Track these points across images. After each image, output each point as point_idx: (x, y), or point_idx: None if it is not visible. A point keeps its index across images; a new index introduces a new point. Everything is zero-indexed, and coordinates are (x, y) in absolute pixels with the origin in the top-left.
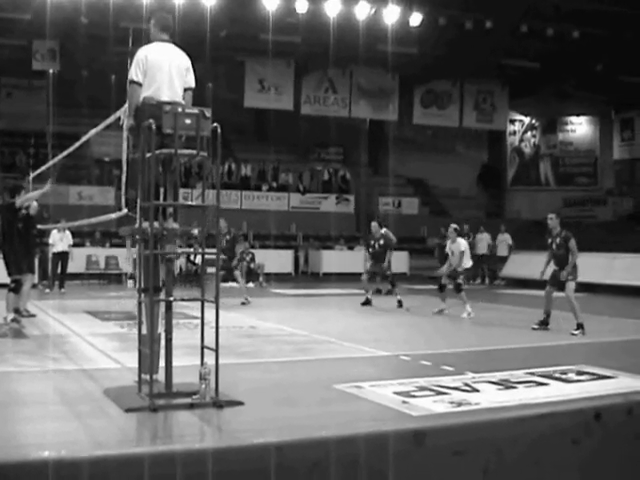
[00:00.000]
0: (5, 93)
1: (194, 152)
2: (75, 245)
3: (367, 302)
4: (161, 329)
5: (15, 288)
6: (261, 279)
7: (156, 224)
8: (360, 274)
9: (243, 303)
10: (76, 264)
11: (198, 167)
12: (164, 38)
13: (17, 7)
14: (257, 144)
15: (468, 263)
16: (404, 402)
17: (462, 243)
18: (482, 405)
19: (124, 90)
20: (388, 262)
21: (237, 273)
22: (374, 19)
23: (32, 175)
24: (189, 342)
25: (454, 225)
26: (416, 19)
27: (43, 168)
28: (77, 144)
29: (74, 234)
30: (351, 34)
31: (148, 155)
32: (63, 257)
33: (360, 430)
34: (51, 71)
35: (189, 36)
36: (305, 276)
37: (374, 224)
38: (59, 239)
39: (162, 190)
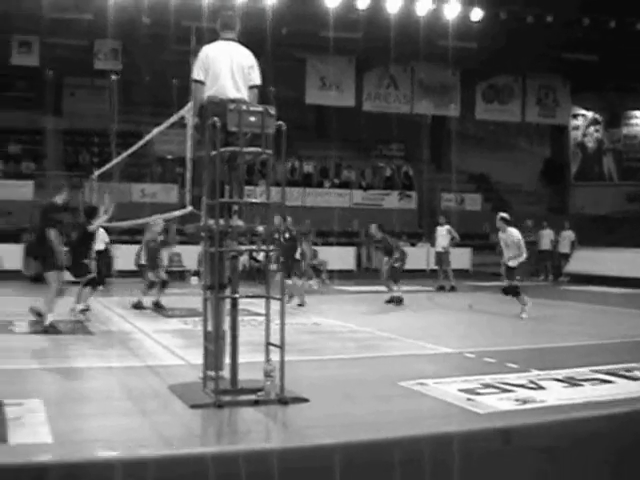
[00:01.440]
0: (68, 93)
1: (259, 150)
2: (139, 242)
3: (392, 300)
4: (226, 326)
5: (91, 283)
6: (324, 276)
7: (221, 221)
8: (424, 270)
9: (300, 305)
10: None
11: (261, 164)
12: (227, 36)
13: (78, 7)
14: (319, 141)
15: (524, 255)
16: (469, 399)
17: (515, 232)
18: (548, 403)
19: (186, 88)
20: (389, 264)
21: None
22: (435, 14)
23: (96, 173)
24: (253, 339)
25: (502, 214)
26: (477, 14)
27: (107, 166)
28: (141, 142)
29: (139, 232)
30: (412, 30)
31: (213, 153)
32: (101, 256)
33: (448, 429)
34: (113, 71)
35: (250, 34)
36: (368, 273)
37: (373, 227)
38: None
39: (227, 188)
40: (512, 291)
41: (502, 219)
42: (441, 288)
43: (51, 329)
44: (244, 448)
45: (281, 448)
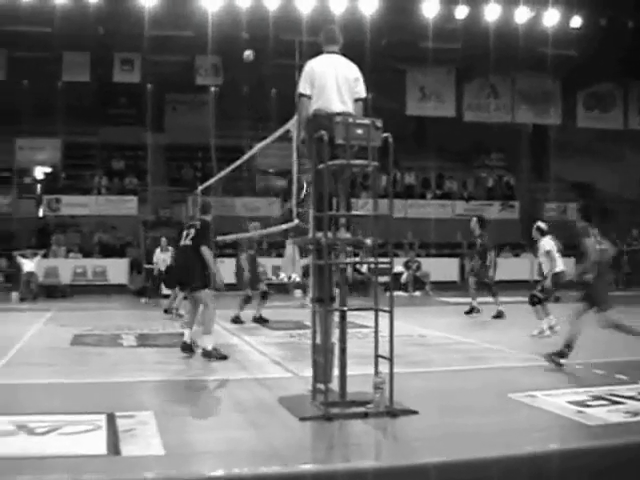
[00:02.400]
0: (170, 108)
1: (366, 162)
2: None
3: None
4: (334, 338)
5: None
6: (427, 287)
7: (329, 234)
8: (527, 282)
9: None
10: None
11: (363, 177)
12: (331, 50)
13: (178, 25)
14: (419, 152)
15: (558, 266)
16: (579, 412)
17: (545, 243)
18: None
19: (286, 102)
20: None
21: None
22: (534, 22)
23: (199, 188)
24: (359, 351)
25: (539, 223)
26: (576, 21)
27: (210, 181)
28: (245, 157)
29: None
30: (511, 38)
31: (321, 166)
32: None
33: (565, 445)
34: (214, 86)
35: (349, 46)
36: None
37: (473, 220)
38: (162, 260)
39: (334, 200)
40: (530, 300)
41: (537, 229)
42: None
43: (214, 352)
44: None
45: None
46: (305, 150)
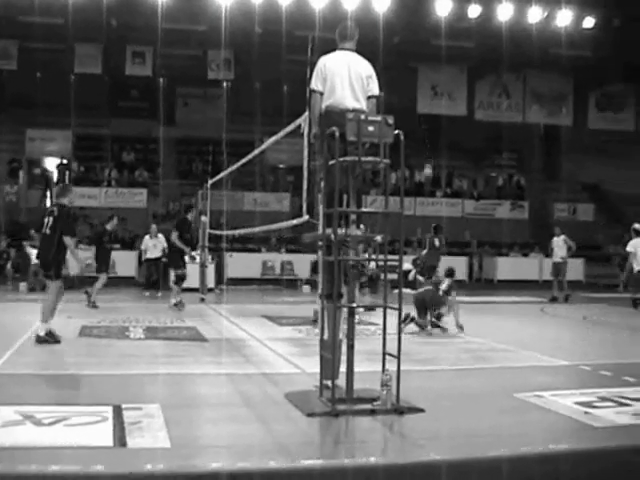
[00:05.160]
0: (182, 102)
1: (377, 159)
2: (251, 250)
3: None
4: (342, 335)
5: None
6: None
7: (339, 231)
8: (536, 282)
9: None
10: (251, 269)
11: (372, 174)
12: (346, 47)
13: (192, 19)
14: (430, 150)
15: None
16: (586, 413)
17: (632, 244)
18: None
19: (299, 98)
20: None
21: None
22: (547, 22)
23: (209, 182)
24: (366, 348)
25: (636, 225)
26: (589, 21)
27: (220, 175)
28: (256, 152)
29: (251, 240)
30: (524, 38)
31: (332, 162)
32: (157, 264)
33: (570, 446)
34: (226, 80)
35: (361, 43)
36: (479, 283)
37: None
38: (152, 245)
39: (345, 197)
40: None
41: (634, 230)
42: (554, 299)
43: (49, 338)
44: (358, 462)
45: (394, 463)
46: (317, 146)
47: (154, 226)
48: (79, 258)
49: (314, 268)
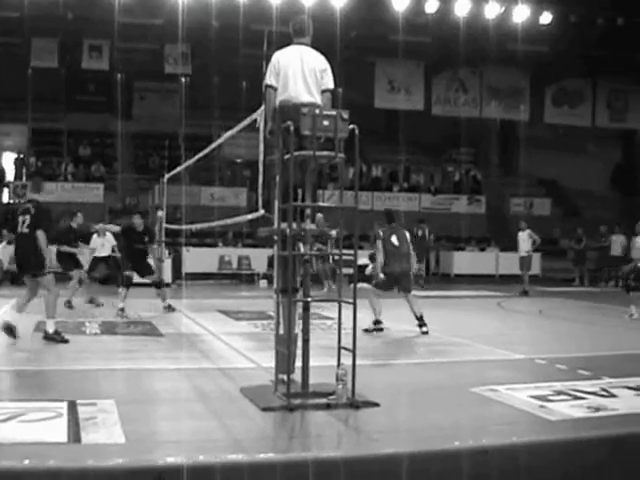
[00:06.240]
0: (139, 97)
1: (332, 154)
2: (208, 245)
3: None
4: (297, 329)
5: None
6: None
7: (294, 225)
8: (493, 276)
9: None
10: (208, 264)
11: (330, 168)
12: (300, 41)
13: (149, 12)
14: (387, 145)
15: None
16: (541, 406)
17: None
18: (620, 411)
19: (256, 92)
20: None
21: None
22: (504, 18)
23: (166, 177)
24: (322, 342)
25: None
26: (546, 17)
27: (176, 170)
28: (213, 146)
29: (208, 234)
30: (481, 33)
31: (287, 157)
32: (107, 261)
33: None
34: (183, 75)
35: (319, 38)
36: (436, 277)
37: None
38: (100, 244)
39: (300, 191)
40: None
41: None
42: (525, 293)
43: (56, 336)
44: (314, 455)
45: (349, 456)
46: (272, 141)
47: (101, 225)
48: (50, 257)
49: (271, 263)
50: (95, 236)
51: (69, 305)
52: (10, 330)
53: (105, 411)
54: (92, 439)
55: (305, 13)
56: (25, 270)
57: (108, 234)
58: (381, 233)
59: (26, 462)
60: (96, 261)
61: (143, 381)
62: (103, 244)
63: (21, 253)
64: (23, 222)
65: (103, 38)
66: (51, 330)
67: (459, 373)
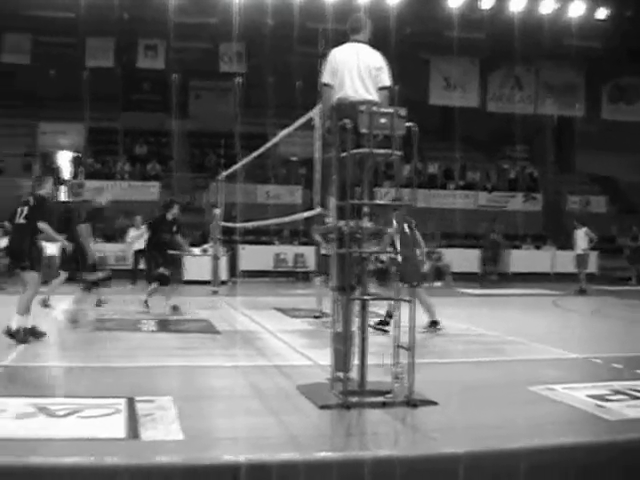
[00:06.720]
0: (194, 95)
1: (389, 151)
2: (264, 243)
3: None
4: (354, 327)
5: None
6: (448, 278)
7: (351, 223)
8: (548, 274)
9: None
10: (264, 262)
11: (385, 166)
12: (356, 39)
13: (203, 11)
14: (443, 142)
15: None
16: (598, 406)
17: None
18: None
19: (311, 90)
20: None
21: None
22: (559, 14)
23: (222, 175)
24: (378, 340)
25: None
26: (602, 13)
27: (234, 168)
28: (268, 144)
29: (264, 232)
30: (536, 29)
31: (344, 154)
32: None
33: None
34: (238, 73)
35: (373, 34)
36: (492, 276)
37: None
38: (136, 237)
39: (357, 189)
40: None
41: None
42: (582, 291)
43: (18, 334)
44: (371, 454)
45: (406, 455)
46: (330, 139)
47: (139, 217)
48: (58, 238)
49: (320, 262)
50: (132, 229)
51: (174, 308)
52: (15, 334)
53: (163, 408)
54: (151, 435)
55: (360, 10)
56: (14, 261)
57: (143, 227)
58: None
59: (87, 459)
60: (137, 254)
61: (199, 378)
62: (139, 237)
63: (13, 244)
64: (21, 213)
65: (158, 37)
66: (14, 327)
67: (515, 372)
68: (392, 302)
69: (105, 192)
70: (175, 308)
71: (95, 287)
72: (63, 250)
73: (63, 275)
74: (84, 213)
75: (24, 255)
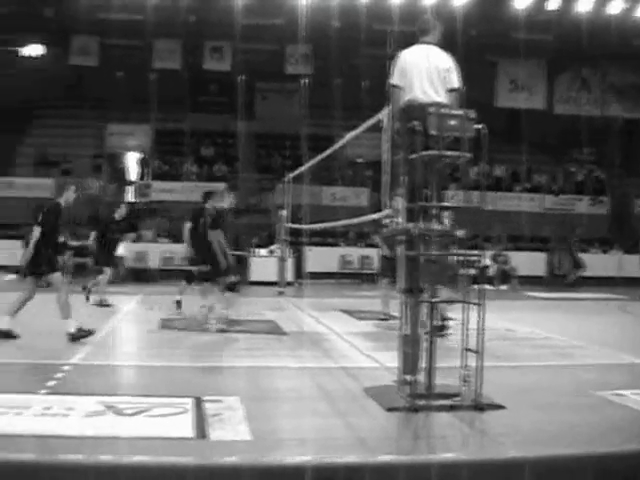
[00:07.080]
0: (260, 97)
1: (459, 154)
2: (330, 245)
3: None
4: (422, 330)
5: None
6: (514, 281)
7: (420, 225)
8: (614, 278)
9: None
10: (330, 263)
11: (452, 168)
12: (425, 40)
13: (269, 13)
14: (509, 145)
15: None
16: None
17: None
18: None
19: (378, 93)
20: None
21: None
22: (627, 14)
23: (289, 176)
24: (445, 343)
25: None
26: None
27: (301, 170)
28: (336, 146)
29: (330, 234)
30: (603, 30)
31: (413, 156)
32: None
33: None
34: (304, 75)
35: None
36: (559, 279)
37: None
38: None
39: (425, 191)
40: None
41: None
42: None
43: (78, 334)
44: (438, 457)
45: (474, 459)
46: (399, 141)
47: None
48: (28, 256)
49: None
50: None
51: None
52: (79, 333)
53: (231, 408)
54: (219, 436)
55: (427, 12)
56: (34, 268)
57: None
58: None
59: (155, 457)
60: None
61: (266, 379)
62: None
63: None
64: (36, 219)
65: (224, 39)
66: (72, 329)
67: (582, 376)
68: (445, 305)
69: (227, 196)
70: (178, 304)
71: (230, 291)
72: (101, 247)
73: (107, 272)
74: (209, 219)
75: (41, 260)
